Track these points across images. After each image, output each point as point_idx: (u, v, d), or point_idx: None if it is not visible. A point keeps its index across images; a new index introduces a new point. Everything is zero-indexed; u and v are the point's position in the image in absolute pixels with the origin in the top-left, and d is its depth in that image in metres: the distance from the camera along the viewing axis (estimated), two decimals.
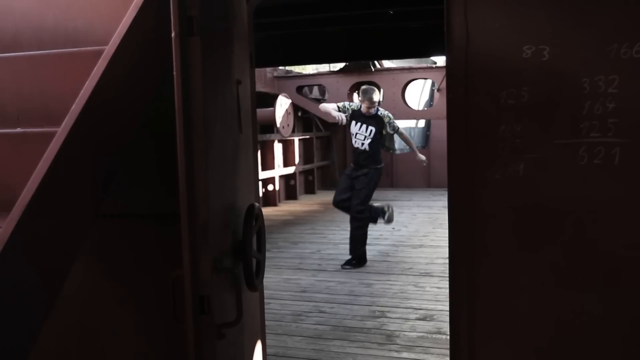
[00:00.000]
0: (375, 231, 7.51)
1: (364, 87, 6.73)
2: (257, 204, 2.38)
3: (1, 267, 1.55)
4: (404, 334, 4.36)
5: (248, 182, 2.50)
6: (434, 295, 5.29)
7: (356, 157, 6.50)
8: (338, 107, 6.66)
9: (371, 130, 6.42)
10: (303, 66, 15.03)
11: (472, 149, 2.20)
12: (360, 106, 6.51)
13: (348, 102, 6.76)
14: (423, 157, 7.11)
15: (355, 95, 12.76)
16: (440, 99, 10.99)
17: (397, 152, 11.84)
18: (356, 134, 6.45)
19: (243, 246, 2.22)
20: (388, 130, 6.56)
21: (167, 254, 2.30)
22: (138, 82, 2.17)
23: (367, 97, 6.41)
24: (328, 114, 6.88)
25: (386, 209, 6.71)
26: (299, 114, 12.32)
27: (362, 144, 6.43)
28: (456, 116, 2.22)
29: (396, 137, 6.90)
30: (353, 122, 6.48)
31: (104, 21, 2.26)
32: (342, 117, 6.51)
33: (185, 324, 1.93)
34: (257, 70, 6.70)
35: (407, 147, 7.40)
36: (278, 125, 10.55)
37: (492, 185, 2.19)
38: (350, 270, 6.32)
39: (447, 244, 2.31)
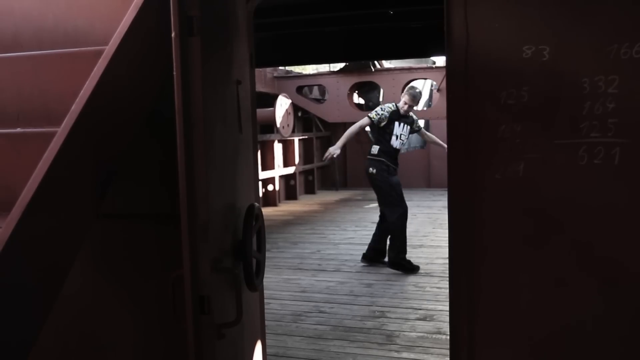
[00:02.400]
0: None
1: (410, 85, 6.67)
2: (257, 204, 2.38)
3: (1, 267, 1.55)
4: (403, 334, 4.36)
5: (248, 182, 2.50)
6: (434, 295, 5.29)
7: (394, 157, 6.43)
8: (371, 118, 6.40)
9: (408, 129, 6.48)
10: (303, 66, 15.03)
11: (472, 149, 2.20)
12: (396, 106, 6.44)
13: (380, 108, 6.52)
14: None
15: (355, 95, 12.79)
16: (440, 99, 11.00)
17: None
18: (400, 134, 6.39)
19: (243, 246, 2.22)
20: (415, 129, 6.63)
21: (167, 254, 2.30)
22: (138, 82, 2.17)
23: (410, 92, 6.41)
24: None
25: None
26: (299, 114, 12.33)
27: (402, 143, 6.46)
28: (456, 116, 2.22)
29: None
30: (396, 124, 6.36)
31: (104, 21, 2.26)
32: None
33: (185, 324, 1.93)
34: (257, 71, 6.69)
35: (409, 147, 7.33)
36: (278, 125, 10.56)
37: (492, 185, 2.19)
38: (350, 270, 6.32)
39: (447, 244, 2.31)
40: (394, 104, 6.51)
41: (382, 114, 6.37)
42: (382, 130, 6.37)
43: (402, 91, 11.15)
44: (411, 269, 6.18)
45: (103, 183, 2.06)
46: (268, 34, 6.04)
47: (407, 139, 6.55)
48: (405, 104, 6.35)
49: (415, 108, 6.49)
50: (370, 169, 6.33)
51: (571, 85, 2.06)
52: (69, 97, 1.89)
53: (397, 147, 6.40)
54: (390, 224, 6.23)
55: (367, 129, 6.76)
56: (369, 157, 6.41)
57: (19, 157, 1.99)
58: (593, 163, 2.06)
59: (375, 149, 6.38)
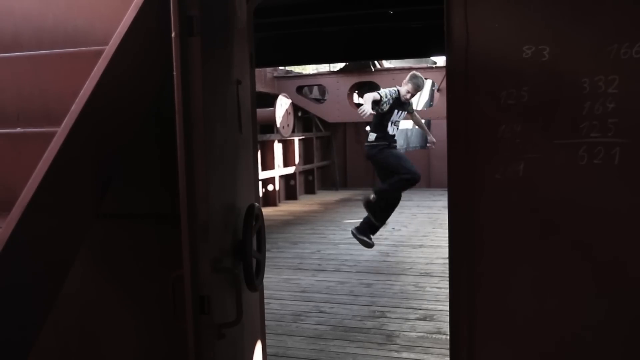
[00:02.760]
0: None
1: (414, 72, 6.48)
2: (257, 204, 2.38)
3: (1, 267, 1.55)
4: (403, 334, 4.36)
5: (248, 182, 2.50)
6: (434, 295, 5.29)
7: (392, 140, 6.41)
8: (380, 97, 6.17)
9: (403, 115, 6.48)
10: (303, 66, 15.04)
11: (472, 149, 2.20)
12: (398, 92, 6.30)
13: (388, 92, 6.32)
14: (434, 139, 7.09)
15: (355, 95, 12.78)
16: (441, 99, 11.00)
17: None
18: (396, 121, 6.39)
19: (243, 246, 2.22)
20: (409, 111, 6.64)
21: (167, 254, 2.30)
22: (138, 82, 2.17)
23: (414, 81, 6.28)
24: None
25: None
26: (299, 114, 12.33)
27: (396, 129, 6.46)
28: (456, 116, 2.22)
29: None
30: (395, 111, 6.30)
31: (104, 21, 2.26)
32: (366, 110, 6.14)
33: (185, 324, 1.93)
34: (257, 71, 6.69)
35: (408, 147, 7.31)
36: (278, 125, 10.56)
37: (492, 185, 2.19)
38: (350, 270, 6.32)
39: (447, 244, 2.31)
40: (396, 89, 6.33)
41: (388, 99, 6.20)
42: (382, 116, 6.27)
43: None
44: (366, 235, 6.26)
45: (103, 183, 2.06)
46: (268, 34, 6.04)
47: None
48: (408, 92, 6.25)
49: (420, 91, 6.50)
50: (371, 151, 6.32)
51: (571, 85, 2.06)
52: (69, 97, 1.89)
53: (392, 134, 6.40)
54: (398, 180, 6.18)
55: (368, 128, 6.74)
56: (367, 144, 6.41)
57: (19, 157, 1.99)
58: (593, 163, 2.06)
59: (372, 136, 6.35)
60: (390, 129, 6.36)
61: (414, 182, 6.26)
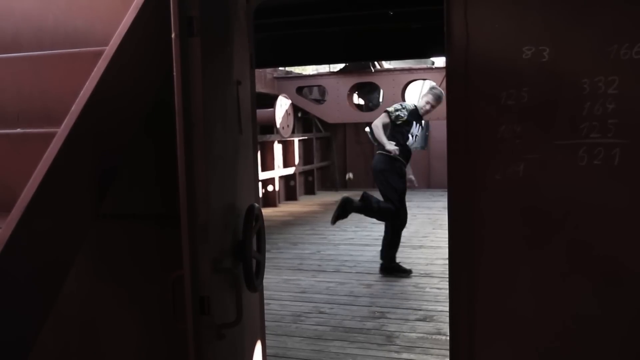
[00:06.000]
0: (376, 232, 7.53)
1: (433, 85, 6.31)
2: (257, 205, 2.38)
3: (1, 267, 1.55)
4: (403, 334, 4.35)
5: (248, 183, 2.50)
6: (433, 296, 5.29)
7: (408, 157, 6.15)
8: (389, 113, 5.99)
9: (420, 129, 6.26)
10: (303, 67, 15.04)
11: (472, 150, 2.20)
12: (415, 106, 6.15)
13: (400, 105, 6.10)
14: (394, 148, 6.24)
15: (355, 95, 12.79)
16: None
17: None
18: (415, 135, 6.17)
19: (243, 247, 2.22)
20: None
21: (167, 254, 2.30)
22: (138, 83, 2.17)
23: (433, 92, 6.16)
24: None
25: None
26: (299, 114, 12.33)
27: (413, 142, 6.19)
28: (456, 117, 2.22)
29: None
30: (414, 123, 6.08)
31: (104, 22, 2.26)
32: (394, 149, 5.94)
33: (185, 325, 1.93)
34: (257, 71, 6.66)
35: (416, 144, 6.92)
36: (278, 125, 10.56)
37: (492, 185, 2.19)
38: (350, 271, 6.32)
39: (447, 245, 2.31)
40: (413, 104, 6.22)
41: (400, 110, 6.00)
42: (398, 128, 6.04)
43: (403, 92, 11.24)
44: (403, 271, 6.09)
45: (103, 183, 2.06)
46: (268, 35, 6.04)
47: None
48: (428, 103, 6.07)
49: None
50: (381, 165, 5.99)
51: (571, 86, 2.07)
52: (69, 98, 1.89)
53: (411, 148, 6.18)
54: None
55: (367, 129, 6.69)
56: (381, 152, 6.01)
57: (19, 158, 1.99)
58: (593, 164, 2.06)
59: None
60: (410, 142, 6.11)
61: (399, 217, 6.07)
